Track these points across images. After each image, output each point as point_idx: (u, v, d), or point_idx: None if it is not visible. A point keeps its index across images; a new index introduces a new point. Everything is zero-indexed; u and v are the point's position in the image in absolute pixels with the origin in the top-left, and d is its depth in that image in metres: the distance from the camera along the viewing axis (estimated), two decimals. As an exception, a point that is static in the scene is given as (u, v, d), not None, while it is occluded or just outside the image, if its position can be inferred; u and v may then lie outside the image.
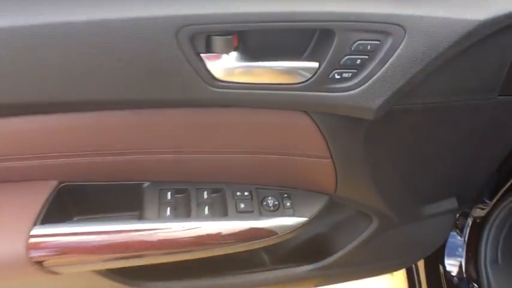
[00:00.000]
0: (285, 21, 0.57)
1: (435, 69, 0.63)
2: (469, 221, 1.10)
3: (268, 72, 0.62)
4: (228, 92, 0.63)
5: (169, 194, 0.79)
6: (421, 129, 0.76)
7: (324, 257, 0.99)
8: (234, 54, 0.61)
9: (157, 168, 0.77)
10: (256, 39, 0.61)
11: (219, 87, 0.62)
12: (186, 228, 0.75)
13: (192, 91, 0.62)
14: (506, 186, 1.05)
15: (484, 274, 1.05)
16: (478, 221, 1.09)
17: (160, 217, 0.76)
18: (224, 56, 0.61)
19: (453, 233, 1.11)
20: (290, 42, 0.62)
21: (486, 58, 0.66)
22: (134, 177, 0.79)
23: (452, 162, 0.86)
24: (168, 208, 0.77)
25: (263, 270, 1.00)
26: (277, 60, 0.62)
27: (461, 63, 0.65)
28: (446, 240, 1.10)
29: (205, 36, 0.58)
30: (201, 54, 0.60)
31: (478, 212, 1.09)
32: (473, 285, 1.06)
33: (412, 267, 1.26)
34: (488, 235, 1.07)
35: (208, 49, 0.59)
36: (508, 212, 1.08)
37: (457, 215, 1.11)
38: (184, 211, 0.78)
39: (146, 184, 0.80)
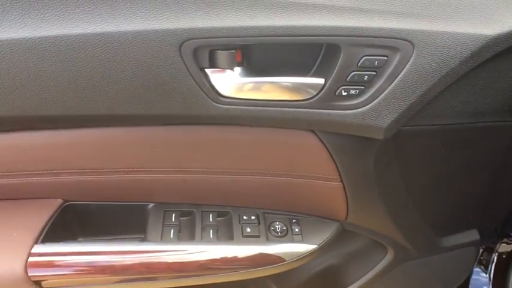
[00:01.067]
0: (289, 36, 0.56)
1: (447, 87, 0.60)
2: (494, 257, 1.03)
3: (273, 88, 0.61)
4: (232, 109, 0.62)
5: (173, 215, 0.78)
6: (435, 153, 0.73)
7: None
8: (238, 70, 0.60)
9: (162, 188, 0.76)
10: (260, 55, 0.61)
11: (223, 104, 0.62)
12: (190, 251, 0.73)
13: (196, 107, 0.62)
14: (534, 219, 0.98)
15: (512, 316, 0.97)
16: (504, 256, 1.02)
17: (163, 239, 0.74)
18: (228, 71, 0.60)
19: (477, 270, 1.04)
20: (295, 58, 0.61)
21: (500, 76, 0.63)
22: (139, 197, 0.78)
23: (470, 189, 0.82)
24: (172, 230, 0.75)
25: None
26: (282, 76, 0.61)
27: (475, 82, 0.62)
28: (470, 277, 1.03)
29: (208, 50, 0.58)
30: (206, 70, 0.60)
31: (504, 247, 1.03)
32: (501, 329, 0.98)
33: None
34: None
35: (212, 64, 0.59)
36: (537, 247, 1.01)
37: (481, 250, 1.04)
38: (188, 234, 0.76)
39: (151, 205, 0.79)
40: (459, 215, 0.88)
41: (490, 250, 1.04)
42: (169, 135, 0.68)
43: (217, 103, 0.62)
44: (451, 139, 0.71)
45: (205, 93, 0.60)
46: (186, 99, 0.61)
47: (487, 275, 1.03)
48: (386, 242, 0.86)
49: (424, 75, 0.58)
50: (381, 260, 0.89)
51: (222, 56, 0.58)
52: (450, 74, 0.59)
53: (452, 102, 0.64)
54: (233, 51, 0.58)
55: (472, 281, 1.04)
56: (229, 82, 0.61)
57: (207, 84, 0.60)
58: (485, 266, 1.04)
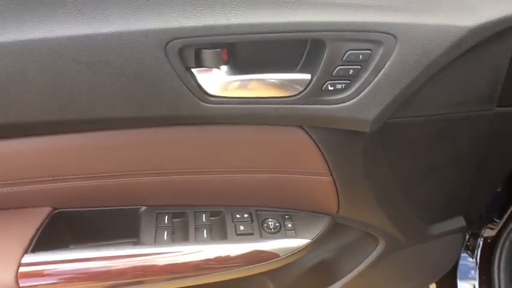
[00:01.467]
0: (274, 32, 0.57)
1: (430, 79, 0.62)
2: (480, 242, 1.06)
3: (260, 85, 0.62)
4: (220, 108, 0.62)
5: (166, 217, 0.78)
6: (421, 143, 0.74)
7: (331, 283, 0.95)
8: (225, 68, 0.61)
9: (153, 191, 0.75)
10: (246, 52, 0.61)
11: (211, 103, 0.62)
12: (184, 252, 0.73)
13: (184, 107, 0.62)
14: (515, 203, 1.02)
15: (499, 298, 1.00)
16: (489, 241, 1.05)
17: (157, 242, 0.74)
18: (215, 70, 0.60)
19: (465, 255, 1.07)
20: (281, 55, 0.62)
21: (480, 66, 0.65)
22: (130, 201, 0.77)
23: (455, 178, 0.84)
24: (165, 232, 0.75)
25: None
26: (269, 73, 0.61)
27: (456, 73, 0.64)
28: (457, 263, 1.06)
29: (194, 49, 0.58)
30: (192, 69, 0.60)
31: (488, 232, 1.06)
32: (489, 310, 1.01)
33: (423, 292, 1.20)
34: (500, 255, 1.02)
35: (198, 63, 0.59)
36: (518, 230, 1.04)
37: (468, 236, 1.07)
38: (182, 235, 0.76)
39: (143, 209, 0.79)
40: (446, 203, 0.90)
41: (476, 235, 1.07)
42: (158, 137, 0.68)
43: (205, 102, 0.62)
44: (436, 129, 0.72)
45: (192, 93, 0.60)
46: (174, 100, 0.61)
47: (474, 260, 1.06)
48: (378, 233, 0.87)
49: (407, 68, 0.60)
50: (373, 251, 0.91)
51: (208, 54, 0.58)
52: (432, 66, 0.60)
53: (435, 93, 0.66)
54: (219, 49, 0.58)
55: (460, 267, 1.07)
56: (216, 81, 0.61)
57: (194, 84, 0.60)
58: (472, 251, 1.07)
